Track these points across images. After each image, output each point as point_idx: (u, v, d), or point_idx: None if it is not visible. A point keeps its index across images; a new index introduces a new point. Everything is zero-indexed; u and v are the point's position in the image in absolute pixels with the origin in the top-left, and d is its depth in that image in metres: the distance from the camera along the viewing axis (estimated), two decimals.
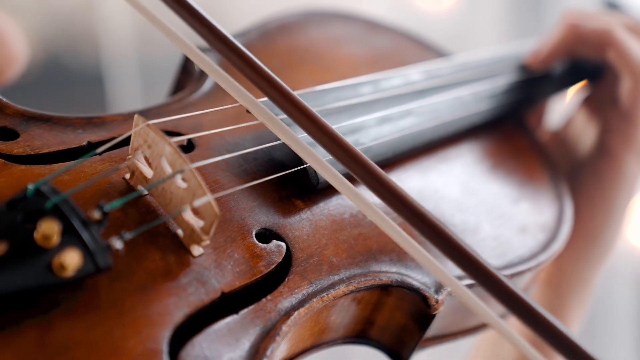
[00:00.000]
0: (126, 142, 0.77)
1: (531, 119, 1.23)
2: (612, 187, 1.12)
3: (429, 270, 0.75)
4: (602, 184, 1.12)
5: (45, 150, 0.77)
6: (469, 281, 0.84)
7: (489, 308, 0.76)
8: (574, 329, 1.16)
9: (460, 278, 0.84)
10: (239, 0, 2.39)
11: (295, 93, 0.76)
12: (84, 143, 0.80)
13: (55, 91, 2.32)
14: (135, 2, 0.78)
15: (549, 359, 1.10)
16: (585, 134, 1.18)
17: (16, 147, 0.76)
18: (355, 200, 0.75)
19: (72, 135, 0.80)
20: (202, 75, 0.93)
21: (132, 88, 2.31)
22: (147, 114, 0.85)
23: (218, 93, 0.91)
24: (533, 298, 1.13)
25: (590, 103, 1.19)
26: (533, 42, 1.16)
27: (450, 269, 0.83)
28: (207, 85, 0.92)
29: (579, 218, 1.11)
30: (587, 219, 1.12)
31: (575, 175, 1.15)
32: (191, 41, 0.79)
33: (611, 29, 1.09)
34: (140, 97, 2.31)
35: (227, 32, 0.75)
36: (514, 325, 1.14)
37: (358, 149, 0.85)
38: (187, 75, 0.96)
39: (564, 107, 1.27)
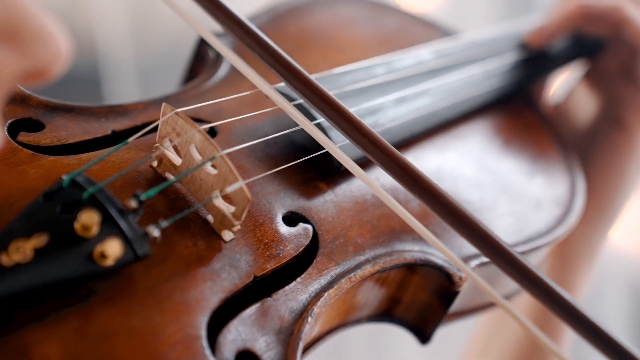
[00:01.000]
0: (151, 129, 0.77)
1: (533, 94, 1.24)
2: (625, 158, 1.13)
3: (438, 250, 0.76)
4: (614, 155, 1.14)
5: (72, 141, 0.78)
6: (484, 259, 0.86)
7: (496, 289, 0.77)
8: (580, 297, 1.18)
9: (475, 256, 0.85)
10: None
11: (313, 77, 0.77)
12: (109, 132, 0.80)
13: (50, 91, 2.31)
14: None
15: (554, 339, 1.12)
16: (587, 106, 1.19)
17: (43, 138, 0.76)
18: (370, 184, 0.76)
19: (95, 125, 0.80)
20: (217, 62, 0.94)
21: (130, 87, 2.30)
22: (167, 101, 0.85)
23: (233, 78, 0.92)
24: (542, 270, 1.15)
25: (593, 76, 1.20)
26: (535, 19, 1.17)
27: (467, 248, 0.85)
28: (222, 71, 0.92)
29: (591, 187, 1.13)
30: (598, 190, 1.14)
31: (583, 147, 1.16)
32: (206, 27, 0.80)
33: (621, 7, 1.09)
34: (138, 97, 2.31)
35: (243, 17, 0.75)
36: (519, 304, 1.16)
37: (378, 130, 0.86)
38: (201, 62, 0.96)
39: (562, 80, 1.28)
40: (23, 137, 0.76)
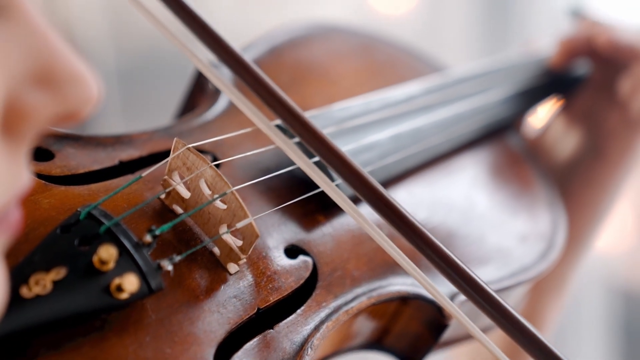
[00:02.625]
0: (157, 160, 0.80)
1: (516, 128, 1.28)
2: (604, 190, 1.18)
3: (425, 289, 0.79)
4: (593, 187, 1.18)
5: (82, 171, 0.79)
6: (462, 297, 0.89)
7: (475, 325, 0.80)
8: (550, 327, 1.22)
9: (455, 295, 0.88)
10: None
11: (309, 114, 0.79)
12: (116, 162, 0.82)
13: None
14: (156, 21, 0.79)
15: None
16: (566, 137, 1.23)
17: (54, 168, 0.78)
18: (361, 223, 0.78)
19: (103, 154, 0.82)
20: (217, 92, 0.96)
21: (108, 90, 2.31)
22: (171, 131, 0.87)
23: (234, 110, 0.94)
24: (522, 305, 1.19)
25: (573, 110, 1.24)
26: (517, 50, 1.21)
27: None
28: (222, 101, 0.95)
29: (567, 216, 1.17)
30: (574, 219, 1.18)
31: (561, 179, 1.20)
32: (204, 58, 0.81)
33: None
34: (118, 99, 2.32)
35: (242, 53, 0.77)
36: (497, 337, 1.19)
37: (375, 166, 0.89)
38: (201, 92, 0.98)
39: (539, 113, 1.32)
40: (34, 166, 0.77)
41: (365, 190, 0.76)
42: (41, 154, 0.80)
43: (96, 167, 0.81)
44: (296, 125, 0.77)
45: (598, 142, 1.19)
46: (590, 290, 2.59)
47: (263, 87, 0.77)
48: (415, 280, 0.85)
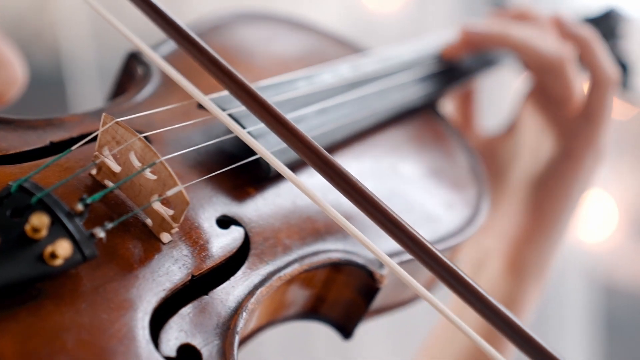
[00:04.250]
0: (91, 139, 0.81)
1: (459, 112, 1.33)
2: (572, 186, 1.23)
3: (368, 249, 0.82)
4: (562, 182, 1.23)
5: (13, 151, 0.81)
6: (405, 257, 0.92)
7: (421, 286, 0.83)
8: (531, 310, 1.26)
9: (398, 254, 0.92)
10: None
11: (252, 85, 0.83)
12: (47, 143, 0.84)
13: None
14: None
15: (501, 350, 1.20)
16: (531, 134, 1.27)
17: None
18: (299, 186, 0.82)
19: (34, 136, 0.84)
20: (146, 77, 0.98)
21: (92, 88, 2.31)
22: (101, 114, 0.89)
23: (163, 92, 0.96)
24: (494, 283, 1.24)
25: (535, 103, 1.27)
26: (449, 34, 1.25)
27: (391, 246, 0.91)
28: (151, 85, 0.97)
29: (540, 209, 1.23)
30: (547, 211, 1.24)
31: (531, 172, 1.25)
32: (142, 39, 0.84)
33: (592, 39, 1.20)
34: (101, 96, 2.31)
35: (191, 30, 0.80)
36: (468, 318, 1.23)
37: None
38: (130, 77, 1.00)
39: (504, 112, 1.36)
40: None
41: (308, 152, 0.80)
42: None
43: (27, 148, 0.82)
44: (240, 91, 0.80)
45: (563, 141, 1.23)
46: (573, 284, 2.65)
47: (209, 59, 0.81)
48: (352, 243, 0.89)
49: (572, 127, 1.22)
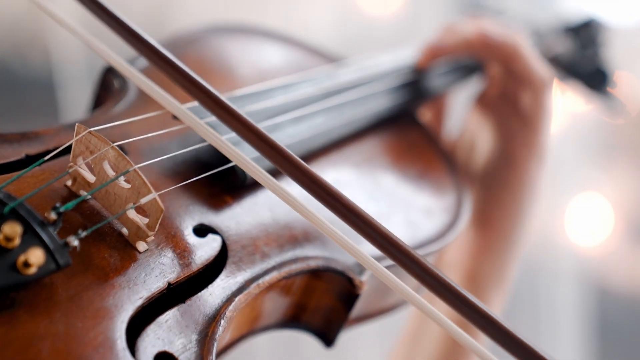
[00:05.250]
0: (64, 152, 0.82)
1: (432, 122, 1.33)
2: (518, 192, 1.23)
3: (349, 253, 0.82)
4: (509, 189, 1.23)
5: None
6: (388, 262, 0.92)
7: (406, 286, 0.83)
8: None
9: (379, 259, 0.92)
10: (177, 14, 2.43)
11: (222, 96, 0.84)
12: (22, 156, 0.84)
13: (3, 97, 2.30)
14: (57, 17, 0.83)
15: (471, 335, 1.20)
16: (480, 142, 1.28)
17: None
18: (278, 193, 0.82)
19: (9, 150, 0.84)
20: (122, 90, 0.98)
21: (83, 92, 2.31)
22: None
23: (140, 104, 0.97)
24: None
25: (480, 110, 1.29)
26: (421, 43, 1.26)
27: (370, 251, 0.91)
28: (128, 98, 0.97)
29: (491, 219, 1.23)
30: (498, 220, 1.24)
31: (481, 180, 1.25)
32: (116, 53, 0.85)
33: (519, 44, 1.20)
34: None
35: (157, 43, 0.81)
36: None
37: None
38: (107, 91, 1.01)
39: (459, 116, 1.37)
40: None
41: (283, 160, 0.81)
42: None
43: (2, 161, 0.82)
44: (209, 102, 0.81)
45: (506, 147, 1.24)
46: (567, 287, 2.65)
47: (178, 71, 0.82)
48: (330, 249, 0.89)
49: (514, 132, 1.23)
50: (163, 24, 2.41)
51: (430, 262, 1.01)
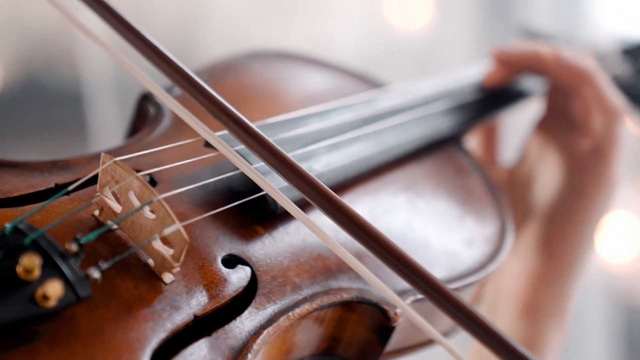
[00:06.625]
0: (93, 181, 0.81)
1: (482, 148, 1.30)
2: (586, 224, 1.18)
3: (375, 287, 0.80)
4: (575, 221, 1.18)
5: (16, 194, 0.81)
6: (418, 295, 0.89)
7: (432, 325, 0.80)
8: (553, 354, 1.21)
9: (410, 292, 0.89)
10: (209, 50, 2.45)
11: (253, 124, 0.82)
12: (52, 185, 0.84)
13: (33, 111, 2.35)
14: (100, 41, 0.83)
15: None
16: (543, 171, 1.23)
17: None
18: (307, 224, 0.81)
19: (39, 179, 0.84)
20: (158, 117, 0.98)
21: (111, 107, 2.34)
22: (110, 154, 0.89)
23: (174, 132, 0.96)
24: (509, 326, 1.19)
25: (543, 139, 1.24)
26: (467, 68, 1.24)
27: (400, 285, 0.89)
28: (162, 125, 0.97)
29: (555, 250, 1.18)
30: (563, 251, 1.19)
31: (543, 211, 1.20)
32: (153, 80, 0.85)
33: (593, 68, 1.16)
34: (119, 116, 2.34)
35: (189, 70, 0.80)
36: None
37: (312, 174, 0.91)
38: (143, 118, 1.00)
39: (515, 144, 1.33)
40: None
41: (312, 192, 0.79)
42: None
43: (31, 190, 0.82)
44: (240, 131, 0.80)
45: (572, 177, 1.19)
46: (595, 304, 2.60)
47: (208, 98, 0.81)
48: (364, 281, 0.86)
49: (583, 162, 1.18)
50: (188, 42, 2.42)
51: (470, 293, 0.99)
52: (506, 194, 1.22)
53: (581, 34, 2.28)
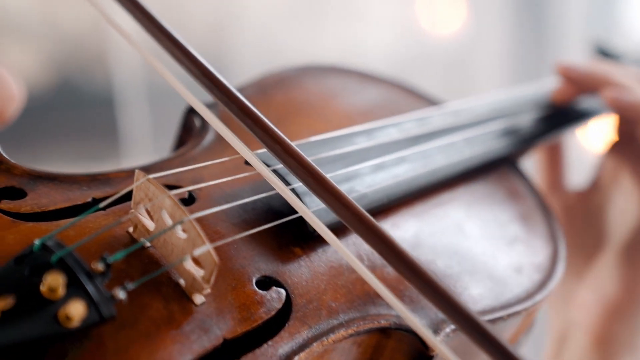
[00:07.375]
0: (129, 196, 0.80)
1: (548, 173, 1.25)
2: None
3: (408, 321, 0.78)
4: None
5: (52, 208, 0.80)
6: (452, 326, 0.86)
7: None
8: None
9: (445, 321, 0.86)
10: (240, 55, 2.45)
11: (292, 143, 0.80)
12: (89, 199, 0.83)
13: (66, 114, 2.38)
14: (147, 55, 0.82)
15: None
16: (619, 198, 1.18)
17: (24, 206, 0.79)
18: (339, 249, 0.79)
19: (77, 192, 0.83)
20: (202, 131, 0.97)
21: (142, 111, 2.36)
22: (150, 169, 0.88)
23: (217, 148, 0.95)
24: (579, 359, 1.14)
25: (616, 156, 1.19)
26: (530, 85, 1.20)
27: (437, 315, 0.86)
28: (206, 140, 0.95)
29: (632, 281, 1.13)
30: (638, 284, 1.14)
31: (618, 238, 1.15)
32: (195, 95, 0.84)
33: None
34: (150, 120, 2.36)
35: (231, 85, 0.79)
36: None
37: (353, 196, 0.88)
38: (188, 132, 0.99)
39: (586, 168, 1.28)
40: (4, 204, 0.79)
41: (349, 215, 0.77)
42: (14, 193, 0.81)
43: (68, 204, 0.81)
44: (280, 151, 0.78)
45: None
46: None
47: (244, 111, 0.79)
48: (396, 311, 0.83)
49: None
50: (219, 47, 2.42)
51: (515, 322, 0.96)
52: (578, 219, 1.17)
53: (615, 37, 2.21)
